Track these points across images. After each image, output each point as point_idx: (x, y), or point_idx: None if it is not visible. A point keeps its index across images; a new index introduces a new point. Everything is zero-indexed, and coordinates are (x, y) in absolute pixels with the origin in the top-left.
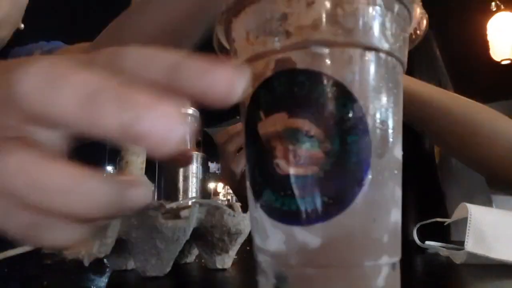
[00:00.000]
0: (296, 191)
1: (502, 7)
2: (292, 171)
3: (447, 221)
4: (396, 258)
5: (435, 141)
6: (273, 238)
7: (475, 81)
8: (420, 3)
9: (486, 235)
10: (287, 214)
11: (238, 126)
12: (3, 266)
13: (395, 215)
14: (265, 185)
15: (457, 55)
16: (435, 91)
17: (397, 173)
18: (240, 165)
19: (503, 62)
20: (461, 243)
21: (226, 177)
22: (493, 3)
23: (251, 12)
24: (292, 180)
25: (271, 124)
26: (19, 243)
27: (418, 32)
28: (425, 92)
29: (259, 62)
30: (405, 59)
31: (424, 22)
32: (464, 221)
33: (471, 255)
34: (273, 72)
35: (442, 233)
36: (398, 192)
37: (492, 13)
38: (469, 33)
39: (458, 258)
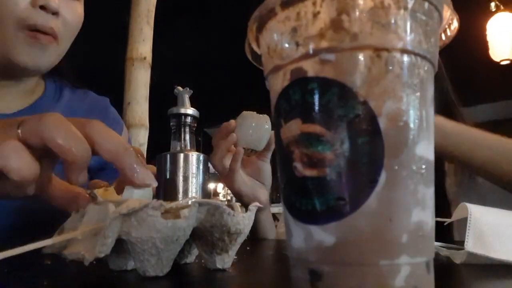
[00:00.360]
0: (311, 192)
1: (502, 7)
2: (307, 173)
3: (447, 221)
4: (421, 258)
5: (474, 171)
6: (296, 235)
7: (474, 82)
8: (451, 4)
9: (486, 235)
10: (305, 214)
11: (232, 123)
12: (3, 266)
13: (419, 215)
14: (288, 187)
15: (456, 56)
16: (467, 129)
17: (423, 171)
18: (222, 161)
19: (503, 63)
20: (462, 243)
21: (219, 173)
22: (492, 4)
23: (269, 28)
24: (308, 181)
25: (289, 130)
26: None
27: (448, 32)
28: (461, 130)
29: (278, 73)
30: (432, 54)
31: (455, 22)
32: (464, 221)
33: (471, 255)
34: (289, 82)
35: (443, 233)
36: (423, 191)
37: (492, 13)
38: (468, 33)
39: (458, 258)
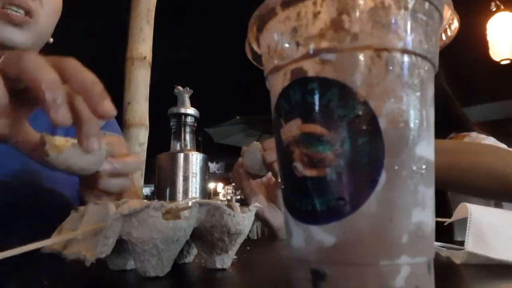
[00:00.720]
0: (311, 192)
1: (502, 7)
2: (307, 173)
3: (447, 221)
4: (421, 258)
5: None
6: (296, 236)
7: (474, 81)
8: (451, 4)
9: (486, 235)
10: (305, 214)
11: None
12: (3, 266)
13: (419, 215)
14: (288, 187)
15: (456, 55)
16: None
17: (423, 171)
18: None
19: (503, 62)
20: (462, 243)
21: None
22: (492, 3)
23: (269, 28)
24: (308, 181)
25: (289, 130)
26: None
27: (448, 32)
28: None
29: (279, 73)
30: (433, 55)
31: (456, 22)
32: (464, 221)
33: (471, 255)
34: (289, 82)
35: (443, 233)
36: (423, 191)
37: (492, 13)
38: (468, 33)
39: (458, 258)
